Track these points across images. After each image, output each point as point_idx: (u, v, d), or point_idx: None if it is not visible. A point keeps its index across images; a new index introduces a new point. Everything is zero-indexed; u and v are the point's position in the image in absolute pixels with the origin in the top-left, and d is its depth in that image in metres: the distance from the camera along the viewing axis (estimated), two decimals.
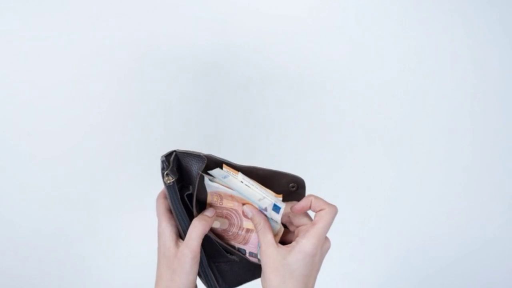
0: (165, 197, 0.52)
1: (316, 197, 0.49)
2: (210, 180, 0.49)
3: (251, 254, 0.52)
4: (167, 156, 0.48)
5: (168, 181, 0.47)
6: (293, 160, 0.90)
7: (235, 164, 0.50)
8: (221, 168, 0.50)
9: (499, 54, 0.88)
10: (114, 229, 0.92)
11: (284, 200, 0.50)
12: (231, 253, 0.52)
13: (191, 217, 0.50)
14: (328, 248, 0.47)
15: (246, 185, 0.49)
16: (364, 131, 0.91)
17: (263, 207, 0.49)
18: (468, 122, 0.91)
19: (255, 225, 0.49)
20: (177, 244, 0.49)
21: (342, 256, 0.96)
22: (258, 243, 0.51)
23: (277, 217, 0.49)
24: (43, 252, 0.91)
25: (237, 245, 0.52)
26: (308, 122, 0.90)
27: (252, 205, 0.49)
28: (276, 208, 0.49)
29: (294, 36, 0.86)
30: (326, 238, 0.47)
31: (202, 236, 0.48)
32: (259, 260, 0.52)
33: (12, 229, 0.89)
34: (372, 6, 0.86)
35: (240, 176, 0.49)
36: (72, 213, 0.90)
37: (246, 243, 0.52)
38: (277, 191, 0.50)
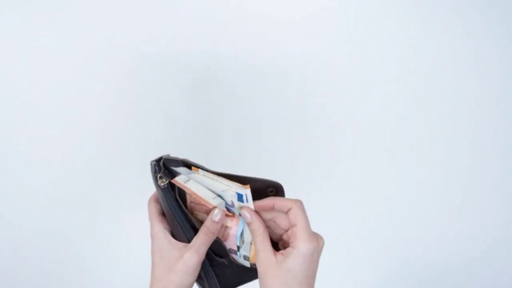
0: (156, 201, 0.53)
1: (279, 198, 0.49)
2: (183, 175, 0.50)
3: (230, 250, 0.53)
4: (158, 161, 0.50)
5: (163, 184, 0.48)
6: (294, 160, 0.91)
7: (211, 170, 0.50)
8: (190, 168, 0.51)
9: (499, 54, 0.88)
10: (114, 229, 0.92)
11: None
12: (220, 256, 0.53)
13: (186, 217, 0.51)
14: (323, 245, 0.47)
15: (208, 177, 0.50)
16: (364, 132, 0.91)
17: (229, 201, 0.49)
18: (468, 122, 0.91)
19: (252, 231, 0.49)
20: (174, 246, 0.50)
21: (342, 256, 0.96)
22: (237, 240, 0.51)
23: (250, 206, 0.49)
24: (43, 252, 0.91)
25: None
26: (308, 122, 0.90)
27: (250, 209, 0.49)
28: (240, 197, 0.49)
29: (294, 37, 0.86)
30: (319, 236, 0.47)
31: (210, 244, 0.50)
32: (243, 256, 0.52)
33: (12, 230, 0.89)
34: (372, 6, 0.86)
35: (201, 171, 0.50)
36: (72, 213, 0.90)
37: (225, 240, 0.52)
38: (255, 196, 0.49)
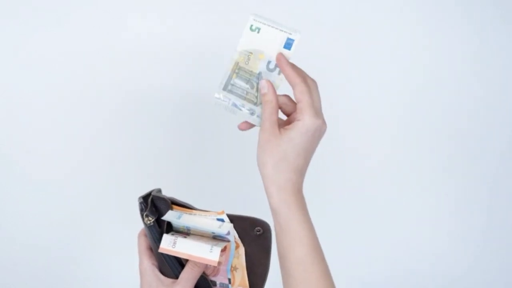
0: (146, 235, 0.54)
1: (296, 68, 0.49)
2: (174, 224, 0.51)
3: (221, 285, 0.53)
4: (145, 198, 0.51)
5: (149, 222, 0.49)
6: None
7: (196, 208, 0.51)
8: (171, 209, 0.51)
9: (502, 53, 0.88)
10: (113, 241, 0.91)
11: (250, 248, 0.51)
12: None
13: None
14: (325, 130, 0.49)
15: (197, 215, 0.50)
16: (363, 132, 0.91)
17: (225, 232, 0.49)
18: (472, 124, 0.91)
19: (265, 103, 0.49)
20: (162, 282, 0.51)
21: (342, 256, 0.95)
22: (228, 273, 0.52)
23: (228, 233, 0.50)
24: (43, 257, 0.90)
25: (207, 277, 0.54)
26: None
27: (269, 81, 0.49)
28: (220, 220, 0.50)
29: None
30: (323, 121, 0.48)
31: (197, 277, 0.50)
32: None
33: (12, 233, 0.88)
34: (373, 5, 0.86)
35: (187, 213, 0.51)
36: (72, 223, 0.89)
37: (216, 274, 0.53)
38: (242, 238, 0.51)
